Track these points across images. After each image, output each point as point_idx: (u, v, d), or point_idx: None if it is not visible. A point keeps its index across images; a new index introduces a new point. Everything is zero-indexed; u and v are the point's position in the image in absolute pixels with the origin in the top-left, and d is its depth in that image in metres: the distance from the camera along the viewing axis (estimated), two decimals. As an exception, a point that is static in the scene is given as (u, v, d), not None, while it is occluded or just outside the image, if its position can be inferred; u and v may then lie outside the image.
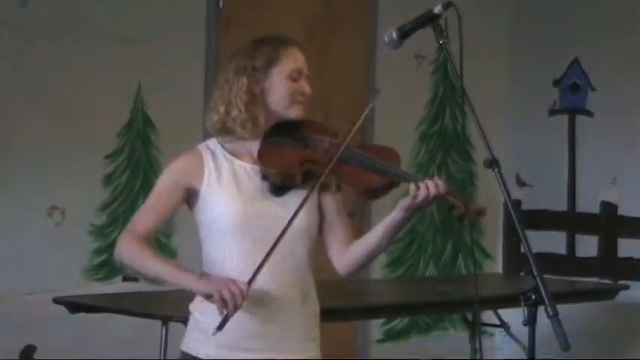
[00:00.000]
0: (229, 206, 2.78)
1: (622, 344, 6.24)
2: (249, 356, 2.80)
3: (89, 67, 5.02)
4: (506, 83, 6.70)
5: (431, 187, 2.77)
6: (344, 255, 2.90)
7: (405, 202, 2.80)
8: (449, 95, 6.43)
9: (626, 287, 5.78)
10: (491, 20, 6.54)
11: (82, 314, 4.43)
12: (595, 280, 6.23)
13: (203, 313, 2.81)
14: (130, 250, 2.81)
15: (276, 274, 2.79)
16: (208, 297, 2.68)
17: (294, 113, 2.87)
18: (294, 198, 2.82)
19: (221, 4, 5.46)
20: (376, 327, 6.16)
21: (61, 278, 4.88)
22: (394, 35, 2.85)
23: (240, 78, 2.83)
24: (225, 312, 2.63)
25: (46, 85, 4.92)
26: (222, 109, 2.83)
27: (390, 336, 6.25)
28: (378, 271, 6.14)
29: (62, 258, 4.95)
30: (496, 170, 2.65)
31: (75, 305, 4.41)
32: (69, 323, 4.59)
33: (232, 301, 2.63)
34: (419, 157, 6.34)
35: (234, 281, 2.66)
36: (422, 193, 2.77)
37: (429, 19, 2.80)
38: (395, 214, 2.83)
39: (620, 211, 6.27)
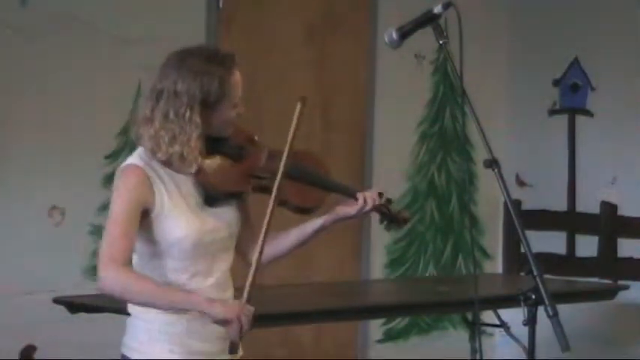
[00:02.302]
0: (189, 229, 2.75)
1: (622, 344, 6.24)
2: (206, 357, 2.81)
3: (89, 67, 5.02)
4: (506, 83, 6.70)
5: (369, 200, 2.90)
6: (266, 247, 2.88)
7: (341, 212, 2.93)
8: (449, 95, 6.42)
9: (626, 287, 5.77)
10: (492, 20, 6.54)
11: (82, 314, 4.42)
12: (595, 280, 6.23)
13: (157, 319, 2.79)
14: (120, 282, 2.66)
15: (221, 280, 2.84)
16: (223, 322, 2.66)
17: (228, 133, 2.85)
18: (223, 208, 2.84)
19: (221, 4, 5.46)
20: (376, 327, 6.16)
21: (61, 278, 4.88)
22: (394, 35, 2.86)
23: (193, 118, 2.72)
24: (240, 337, 2.66)
25: (46, 85, 4.91)
26: (174, 148, 2.72)
27: (390, 336, 6.25)
28: (378, 271, 6.15)
29: (62, 258, 4.95)
30: (496, 170, 2.65)
31: (75, 305, 4.40)
32: (69, 323, 4.58)
33: (248, 326, 2.66)
34: (419, 157, 6.33)
35: (245, 306, 2.67)
36: (361, 206, 2.90)
37: (429, 19, 2.80)
38: (326, 219, 2.93)
39: (620, 211, 6.27)
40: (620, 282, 6.06)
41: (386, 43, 2.88)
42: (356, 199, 2.91)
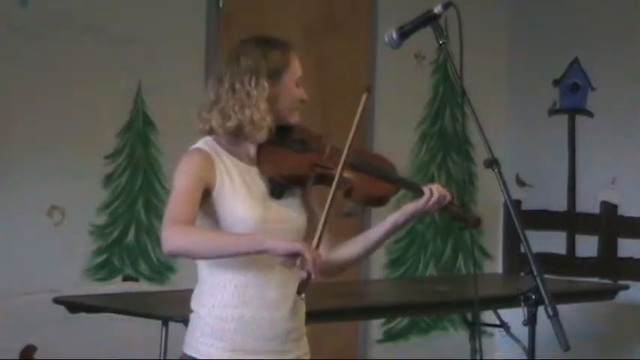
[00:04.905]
0: (248, 211, 2.76)
1: (622, 344, 6.24)
2: (259, 357, 2.81)
3: (89, 67, 5.02)
4: (506, 83, 6.70)
5: (435, 191, 2.84)
6: (331, 255, 2.90)
7: (410, 208, 2.87)
8: (449, 95, 6.43)
9: (626, 287, 5.78)
10: (491, 20, 6.54)
11: (82, 314, 4.43)
12: (595, 280, 6.23)
13: (210, 315, 2.80)
14: (185, 234, 2.63)
15: (284, 278, 2.80)
16: (291, 256, 2.58)
17: (294, 119, 2.90)
18: (292, 199, 2.86)
19: (221, 4, 5.46)
20: (376, 327, 6.16)
21: (61, 278, 4.88)
22: (394, 35, 2.86)
23: (260, 81, 2.80)
24: (308, 274, 2.58)
25: (46, 85, 4.91)
26: (244, 114, 2.78)
27: (390, 336, 6.25)
28: (378, 271, 6.15)
29: (62, 258, 4.95)
30: (496, 170, 2.65)
31: (75, 305, 4.41)
32: (69, 323, 4.59)
33: (317, 267, 2.57)
34: (419, 157, 6.34)
35: (313, 247, 2.61)
36: (428, 197, 2.83)
37: (429, 19, 2.80)
38: (397, 217, 2.89)
39: (620, 211, 6.27)
40: (620, 282, 6.06)
41: (386, 43, 2.88)
42: (423, 194, 2.85)
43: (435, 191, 2.84)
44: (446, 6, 2.77)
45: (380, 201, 2.88)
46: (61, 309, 4.39)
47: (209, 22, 5.42)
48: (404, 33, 2.85)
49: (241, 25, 5.43)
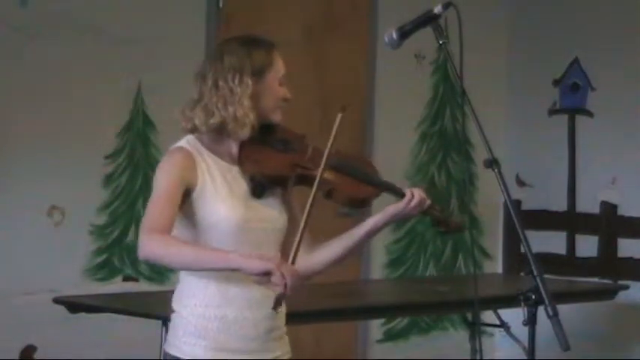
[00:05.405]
0: (230, 211, 2.76)
1: (622, 344, 6.24)
2: (242, 357, 2.81)
3: (89, 67, 5.02)
4: (506, 83, 6.70)
5: (416, 193, 2.86)
6: (311, 257, 2.90)
7: (391, 209, 2.89)
8: (449, 95, 6.43)
9: (626, 287, 5.78)
10: (491, 20, 6.54)
11: (82, 314, 4.43)
12: (595, 280, 6.23)
13: (192, 314, 2.81)
14: (161, 244, 2.64)
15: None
16: (263, 275, 2.59)
17: (277, 118, 2.89)
18: (273, 199, 2.87)
19: (221, 4, 5.46)
20: (376, 327, 6.16)
21: (61, 278, 4.88)
22: (394, 35, 2.86)
23: (244, 79, 2.80)
24: (283, 290, 2.58)
25: (46, 85, 4.91)
26: (227, 110, 2.79)
27: (390, 336, 6.25)
28: (377, 271, 6.15)
29: (62, 258, 4.95)
30: (496, 170, 2.65)
31: (75, 305, 4.41)
32: (69, 323, 4.59)
33: (292, 281, 2.57)
34: (419, 157, 6.33)
35: (286, 263, 2.61)
36: (409, 198, 2.85)
37: (429, 19, 2.80)
38: (378, 219, 2.91)
39: (620, 211, 6.27)
40: (620, 282, 6.06)
41: (386, 43, 2.88)
42: (404, 196, 2.86)
43: (416, 194, 2.86)
44: (446, 6, 2.77)
45: (361, 203, 2.89)
46: (61, 309, 4.39)
47: (209, 22, 5.42)
48: (404, 33, 2.85)
49: (241, 25, 5.42)
